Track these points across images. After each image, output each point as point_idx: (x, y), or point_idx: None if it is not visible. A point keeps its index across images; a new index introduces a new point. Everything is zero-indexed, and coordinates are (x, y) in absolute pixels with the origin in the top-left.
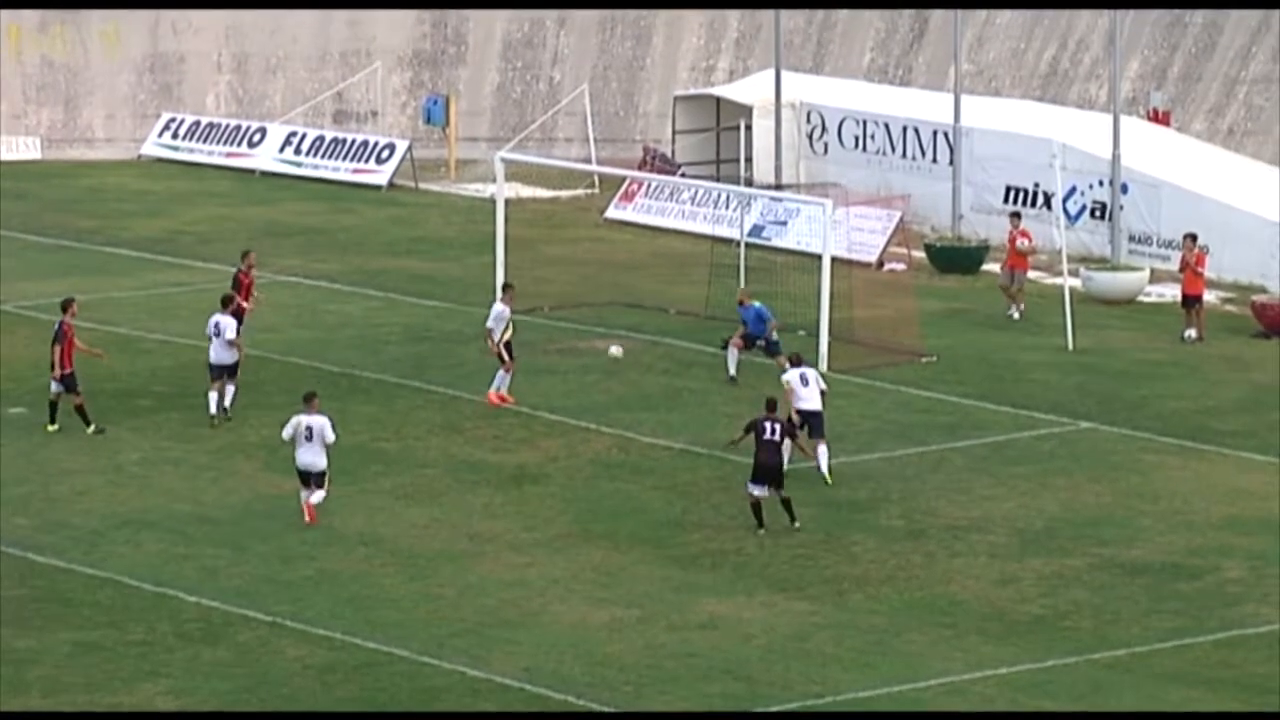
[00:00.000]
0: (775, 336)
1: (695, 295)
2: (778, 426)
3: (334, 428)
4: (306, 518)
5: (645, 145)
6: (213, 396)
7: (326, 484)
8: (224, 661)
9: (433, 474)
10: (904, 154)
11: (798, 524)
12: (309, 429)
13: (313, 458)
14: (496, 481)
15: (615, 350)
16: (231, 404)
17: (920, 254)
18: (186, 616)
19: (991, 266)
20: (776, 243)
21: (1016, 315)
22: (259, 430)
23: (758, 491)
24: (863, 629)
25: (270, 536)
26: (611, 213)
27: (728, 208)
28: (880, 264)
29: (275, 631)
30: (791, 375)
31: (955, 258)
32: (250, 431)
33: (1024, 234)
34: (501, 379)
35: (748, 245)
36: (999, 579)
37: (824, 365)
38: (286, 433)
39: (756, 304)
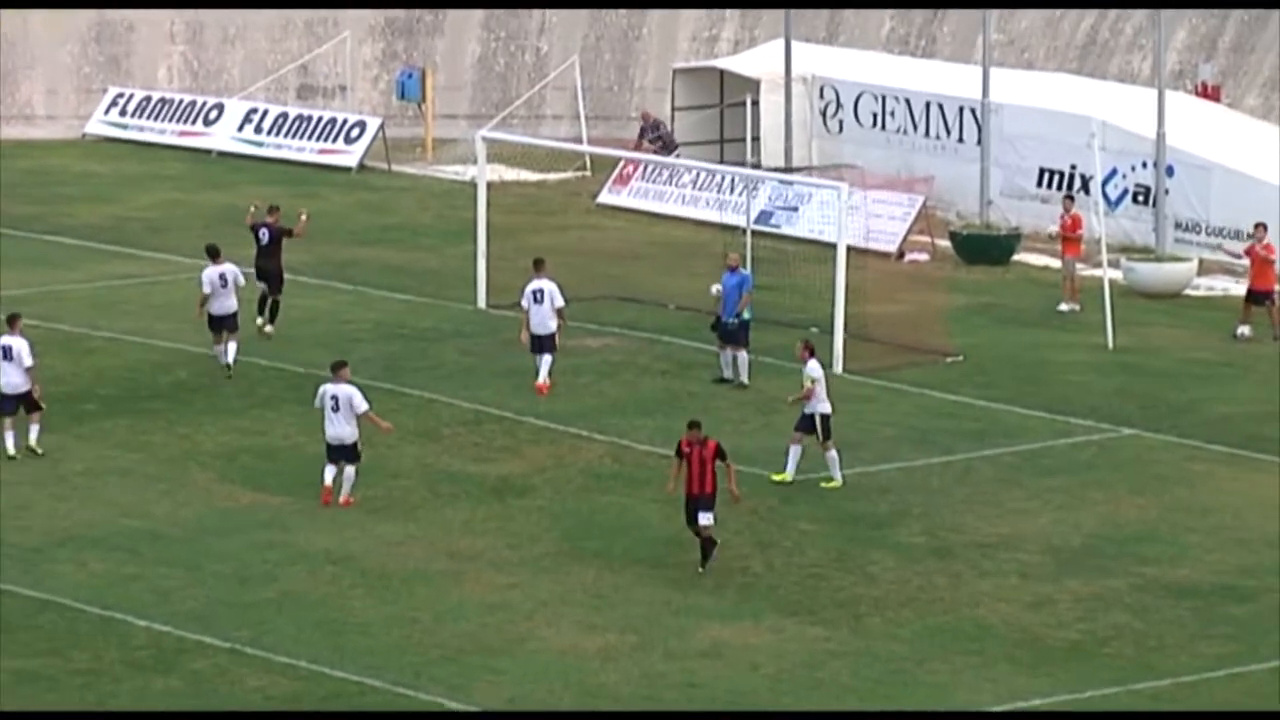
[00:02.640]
0: (747, 315)
1: (697, 289)
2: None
3: (365, 396)
4: (328, 498)
5: (644, 112)
6: (219, 349)
7: (359, 458)
8: (177, 692)
9: (407, 485)
10: (927, 133)
11: (702, 569)
12: (335, 399)
13: (339, 430)
14: (477, 494)
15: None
16: (234, 360)
17: (945, 243)
18: (136, 643)
19: (1025, 257)
20: (786, 230)
21: (1063, 308)
22: (215, 438)
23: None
24: (881, 657)
25: (228, 555)
26: (604, 197)
27: (732, 192)
28: (901, 254)
29: (234, 659)
30: (816, 369)
31: (983, 247)
32: (205, 439)
33: (1075, 220)
34: (550, 364)
35: (755, 233)
36: (1032, 602)
37: (839, 366)
38: (316, 404)
39: (745, 270)
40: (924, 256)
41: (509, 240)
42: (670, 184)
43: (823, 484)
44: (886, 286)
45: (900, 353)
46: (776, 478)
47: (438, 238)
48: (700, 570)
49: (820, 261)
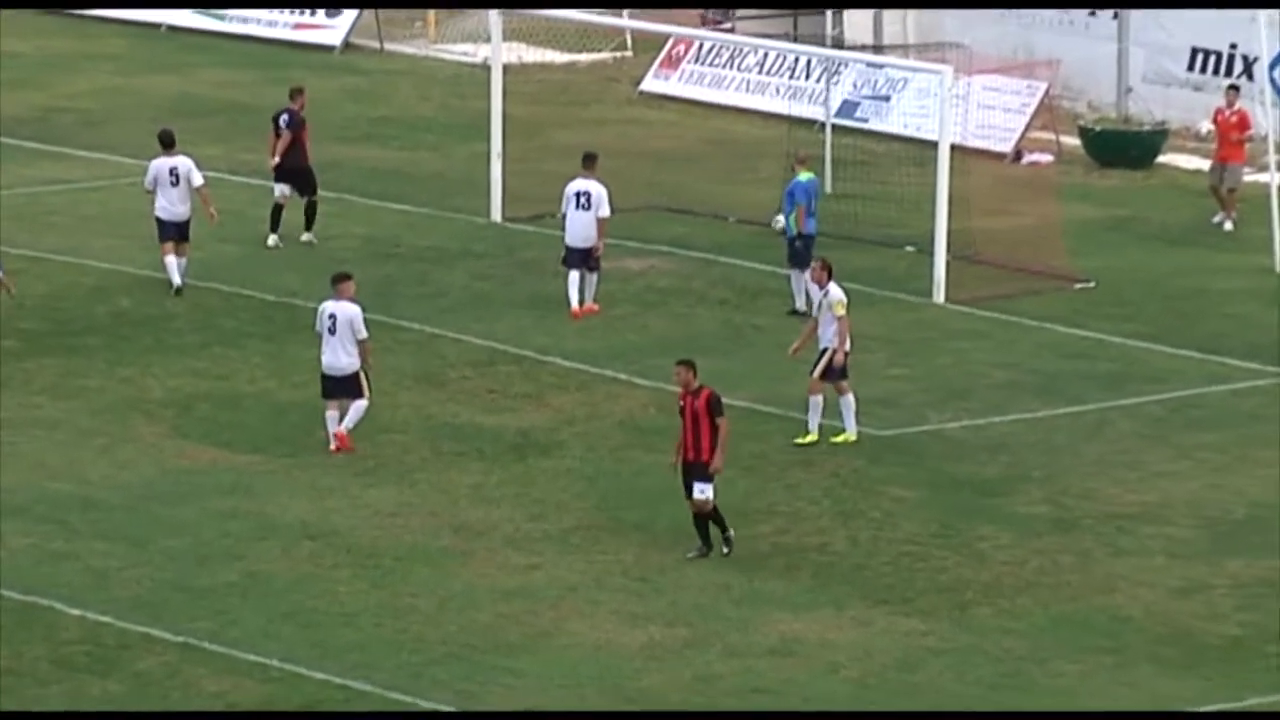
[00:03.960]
0: (794, 231)
1: (764, 198)
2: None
3: (365, 322)
4: (332, 445)
5: None
6: (169, 261)
7: (363, 393)
8: (118, 697)
9: (404, 442)
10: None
11: (727, 548)
12: (333, 318)
13: (335, 358)
14: (491, 453)
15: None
16: (183, 280)
17: (1073, 140)
18: (67, 636)
19: (1171, 158)
20: (875, 125)
21: (1229, 226)
22: (165, 382)
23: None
24: (993, 655)
25: (181, 527)
26: (649, 84)
27: (808, 77)
28: (1018, 155)
29: (187, 656)
30: (842, 293)
31: (1121, 146)
32: (153, 384)
33: (1242, 118)
34: (596, 284)
35: (836, 129)
36: (1181, 587)
37: (940, 294)
38: (316, 327)
39: (804, 176)
40: (1047, 158)
41: (531, 138)
42: (731, 67)
43: (797, 439)
44: (1000, 195)
45: (1017, 278)
46: (838, 439)
47: (442, 134)
48: (725, 552)
49: (917, 164)
